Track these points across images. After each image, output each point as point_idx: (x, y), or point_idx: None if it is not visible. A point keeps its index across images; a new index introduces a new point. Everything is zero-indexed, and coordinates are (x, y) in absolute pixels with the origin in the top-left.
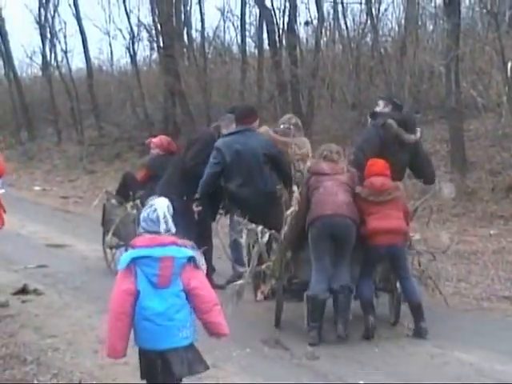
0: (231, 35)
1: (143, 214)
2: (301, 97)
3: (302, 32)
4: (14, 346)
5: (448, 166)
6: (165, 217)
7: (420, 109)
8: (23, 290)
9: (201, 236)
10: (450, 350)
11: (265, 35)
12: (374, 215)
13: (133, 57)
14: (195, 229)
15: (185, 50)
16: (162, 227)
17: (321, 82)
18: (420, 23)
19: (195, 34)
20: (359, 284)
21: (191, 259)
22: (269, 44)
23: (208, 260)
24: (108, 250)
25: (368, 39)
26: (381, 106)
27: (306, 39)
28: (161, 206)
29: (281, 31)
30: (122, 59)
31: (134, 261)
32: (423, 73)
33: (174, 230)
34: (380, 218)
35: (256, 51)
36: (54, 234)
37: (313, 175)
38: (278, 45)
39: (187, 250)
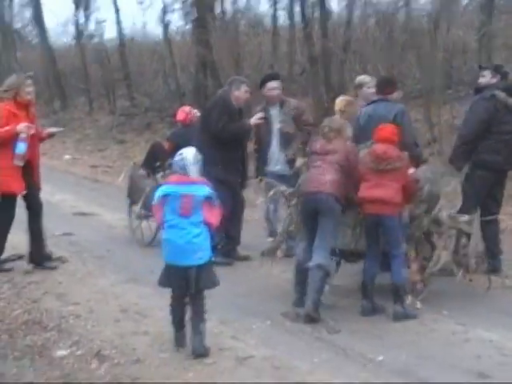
0: (263, 7)
1: (175, 159)
2: (332, 70)
3: (335, 4)
4: (37, 311)
5: None
6: (192, 164)
7: (452, 84)
8: (49, 257)
9: (234, 207)
10: (472, 327)
11: (297, 8)
12: (368, 183)
13: (165, 27)
14: (229, 200)
15: (217, 21)
16: (190, 172)
17: (352, 56)
18: None
19: (228, 6)
20: (365, 261)
21: (208, 198)
22: (301, 16)
23: (236, 233)
24: (135, 221)
25: (401, 13)
26: (487, 78)
27: (338, 13)
28: (188, 154)
29: (313, 4)
30: (155, 30)
31: (163, 197)
32: (456, 48)
33: (198, 171)
34: (370, 187)
35: (288, 23)
36: (82, 202)
37: (310, 154)
38: (309, 17)
39: (206, 189)
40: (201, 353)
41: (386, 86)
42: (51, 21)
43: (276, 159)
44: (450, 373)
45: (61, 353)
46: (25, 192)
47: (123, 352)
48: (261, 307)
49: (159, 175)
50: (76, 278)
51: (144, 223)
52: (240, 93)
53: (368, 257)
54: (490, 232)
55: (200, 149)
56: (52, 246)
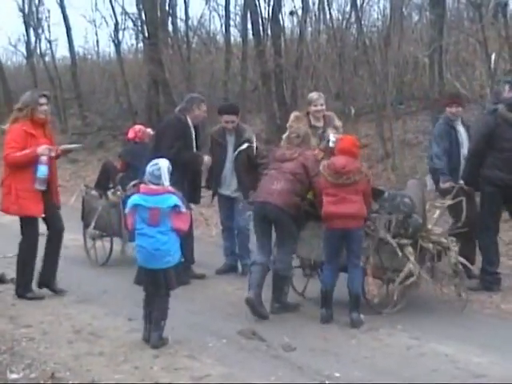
0: (216, 24)
1: (148, 169)
2: (284, 87)
3: (287, 22)
4: None
5: None
6: (165, 173)
7: (404, 100)
8: (0, 279)
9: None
10: (427, 341)
11: (249, 25)
12: (331, 197)
13: (117, 45)
14: None
15: (169, 39)
16: (163, 182)
17: (305, 72)
18: (405, 14)
19: (179, 23)
20: (324, 271)
21: (175, 207)
22: (253, 33)
23: (189, 252)
24: (89, 241)
25: (352, 29)
26: (506, 92)
27: (291, 29)
28: (163, 165)
29: (265, 21)
30: (107, 48)
31: (134, 206)
32: (407, 64)
33: (169, 182)
34: (335, 203)
35: (240, 41)
36: None
37: (271, 161)
38: (262, 34)
39: (172, 199)
40: (156, 346)
41: None
42: (2, 40)
43: (228, 183)
44: None
45: (14, 376)
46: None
47: (78, 374)
48: (216, 325)
49: (109, 192)
50: (29, 300)
51: (98, 243)
52: (200, 112)
53: (327, 267)
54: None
55: None
56: (4, 268)
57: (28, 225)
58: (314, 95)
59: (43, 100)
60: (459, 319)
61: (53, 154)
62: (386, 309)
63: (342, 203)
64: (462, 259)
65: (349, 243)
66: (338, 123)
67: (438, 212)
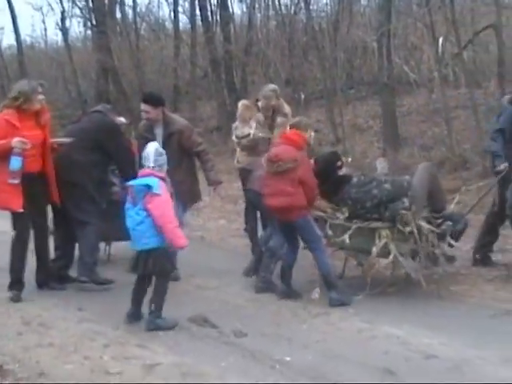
0: (164, 11)
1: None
2: (234, 73)
3: (236, 8)
4: None
5: (381, 142)
6: (150, 155)
7: (353, 84)
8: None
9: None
10: (379, 324)
11: (198, 11)
12: (268, 188)
13: (64, 33)
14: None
15: (117, 26)
16: (149, 164)
17: (254, 59)
18: None
19: (128, 10)
20: (285, 251)
21: (147, 187)
22: (202, 20)
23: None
24: None
25: (301, 15)
26: None
27: (240, 15)
28: (149, 147)
29: (214, 7)
30: (55, 36)
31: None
32: (356, 49)
33: (155, 163)
34: (271, 195)
35: (189, 27)
36: None
37: None
38: (211, 21)
39: (149, 180)
40: (149, 329)
41: None
42: None
43: None
44: (357, 370)
45: None
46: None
47: (27, 365)
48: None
49: None
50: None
51: None
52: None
53: (287, 247)
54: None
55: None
56: None
57: (16, 220)
58: (267, 92)
59: (40, 89)
60: (410, 302)
61: (26, 147)
62: (364, 291)
63: (278, 196)
64: (442, 248)
65: (298, 232)
66: (287, 110)
67: (457, 197)
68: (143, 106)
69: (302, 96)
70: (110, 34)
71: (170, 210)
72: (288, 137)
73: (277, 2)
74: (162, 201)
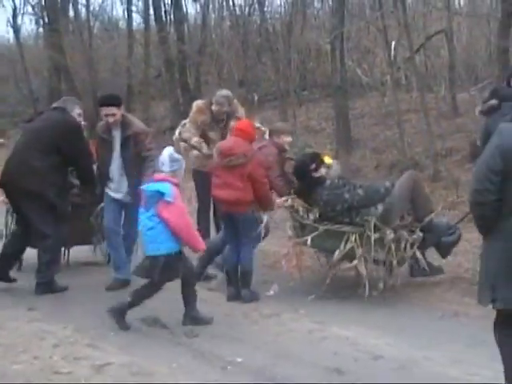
0: (117, 10)
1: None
2: (188, 73)
3: (190, 8)
4: None
5: (333, 144)
6: (165, 160)
7: (307, 87)
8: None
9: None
10: (329, 325)
11: (151, 10)
12: (218, 180)
13: (16, 31)
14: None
15: (70, 24)
16: (164, 168)
17: (208, 59)
18: (307, 1)
19: (81, 9)
20: (226, 252)
21: (159, 193)
22: (155, 19)
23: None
24: None
25: (255, 16)
26: None
27: (194, 15)
28: (165, 152)
29: (168, 6)
30: (6, 34)
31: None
32: (310, 51)
33: (170, 168)
34: (219, 187)
35: (143, 26)
36: None
37: None
38: (164, 20)
39: (161, 185)
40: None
41: None
42: None
43: (117, 185)
44: (307, 370)
45: None
46: None
47: None
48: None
49: None
50: None
51: None
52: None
53: (229, 247)
54: None
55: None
56: None
57: None
58: (220, 99)
59: None
60: (360, 304)
61: None
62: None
63: (226, 188)
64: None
65: (237, 225)
66: (241, 112)
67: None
68: (107, 110)
69: (256, 97)
70: (62, 33)
71: (184, 216)
72: (241, 129)
73: (231, 3)
74: (176, 208)
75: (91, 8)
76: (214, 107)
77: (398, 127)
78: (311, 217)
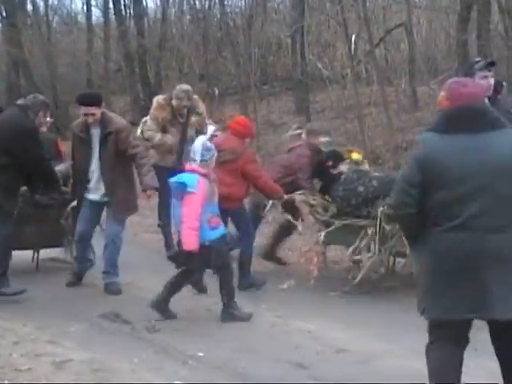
0: (77, 4)
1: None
2: (148, 68)
3: (150, 2)
4: None
5: None
6: (197, 150)
7: (267, 80)
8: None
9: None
10: (291, 319)
11: (111, 4)
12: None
13: None
14: None
15: (28, 18)
16: (194, 158)
17: (169, 53)
18: None
19: (39, 3)
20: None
21: (181, 184)
22: (115, 13)
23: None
24: None
25: (216, 10)
26: None
27: (154, 9)
28: (198, 141)
29: (127, 1)
30: None
31: None
32: (270, 45)
33: (201, 157)
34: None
35: (102, 21)
36: None
37: None
38: (124, 14)
39: (186, 176)
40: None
41: None
42: None
43: (95, 186)
44: (270, 364)
45: None
46: None
47: None
48: (78, 309)
49: None
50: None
51: None
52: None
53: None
54: None
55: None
56: None
57: None
58: (180, 93)
59: None
60: (322, 297)
61: None
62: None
63: (218, 184)
64: None
65: (232, 221)
66: (202, 109)
67: None
68: (87, 110)
69: (216, 91)
70: (20, 27)
71: (192, 209)
72: (234, 125)
73: None
74: (192, 198)
75: (50, 2)
76: (173, 102)
77: (358, 120)
78: (329, 213)
